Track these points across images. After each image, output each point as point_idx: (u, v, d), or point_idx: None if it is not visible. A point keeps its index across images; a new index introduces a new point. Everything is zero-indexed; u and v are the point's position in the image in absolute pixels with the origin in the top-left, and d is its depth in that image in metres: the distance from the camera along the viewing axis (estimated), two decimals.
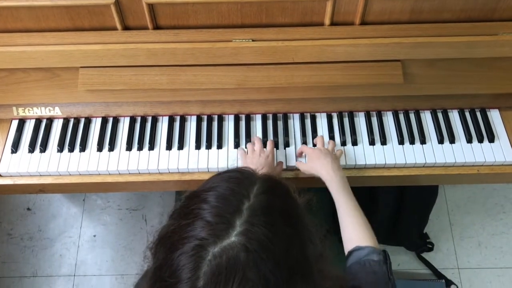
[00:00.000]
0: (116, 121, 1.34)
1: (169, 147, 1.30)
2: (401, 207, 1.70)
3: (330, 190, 1.14)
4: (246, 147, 1.29)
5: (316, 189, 1.97)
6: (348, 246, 1.04)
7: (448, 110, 1.35)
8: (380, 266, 0.96)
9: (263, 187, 0.70)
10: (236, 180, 0.71)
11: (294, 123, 1.34)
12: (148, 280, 0.68)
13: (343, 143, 1.30)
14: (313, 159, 1.20)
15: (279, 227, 0.66)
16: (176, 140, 1.31)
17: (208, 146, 1.30)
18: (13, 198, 2.04)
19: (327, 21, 1.25)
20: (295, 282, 0.64)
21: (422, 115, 1.35)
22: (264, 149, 1.24)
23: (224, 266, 0.60)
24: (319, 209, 1.97)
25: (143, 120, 1.34)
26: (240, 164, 1.26)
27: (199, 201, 0.68)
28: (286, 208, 0.71)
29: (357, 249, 1.00)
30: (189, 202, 0.70)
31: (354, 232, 1.05)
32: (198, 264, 0.60)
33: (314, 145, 1.29)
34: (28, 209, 2.02)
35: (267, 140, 1.30)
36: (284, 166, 1.28)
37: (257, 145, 1.25)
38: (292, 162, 1.28)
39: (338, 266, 0.87)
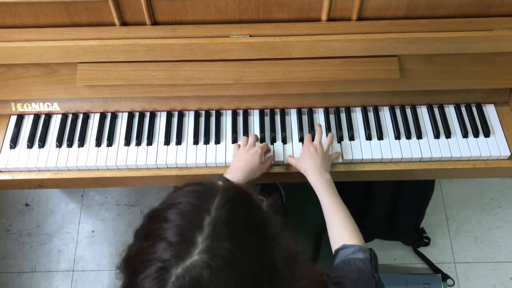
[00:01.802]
0: (114, 116, 1.34)
1: (167, 142, 1.31)
2: (397, 201, 1.71)
3: (315, 190, 1.16)
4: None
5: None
6: (334, 244, 1.05)
7: (444, 105, 1.36)
8: (365, 265, 0.97)
9: (224, 198, 0.68)
10: (196, 193, 0.69)
11: (292, 119, 1.35)
12: None
13: (340, 138, 1.31)
14: (305, 157, 1.22)
15: (243, 239, 0.64)
16: (174, 136, 1.32)
17: (206, 142, 1.31)
18: (12, 194, 2.05)
19: (324, 16, 1.26)
20: None
21: (418, 110, 1.36)
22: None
23: (187, 287, 0.59)
24: (316, 203, 1.98)
25: (141, 115, 1.34)
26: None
27: (160, 220, 0.66)
28: (250, 217, 0.69)
29: (343, 247, 1.01)
30: (150, 221, 0.68)
31: (340, 231, 1.07)
32: (162, 287, 0.60)
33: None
34: (27, 204, 2.03)
35: (265, 135, 1.31)
36: (283, 161, 1.29)
37: (250, 140, 1.26)
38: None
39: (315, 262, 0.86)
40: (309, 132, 1.31)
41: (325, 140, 1.27)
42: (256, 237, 0.67)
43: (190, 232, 0.62)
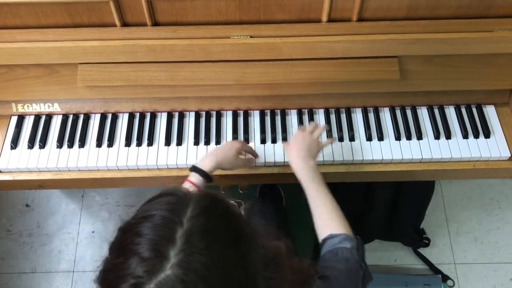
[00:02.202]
0: (115, 117, 1.35)
1: (167, 143, 1.31)
2: (397, 202, 1.72)
3: (299, 180, 1.12)
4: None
5: None
6: (321, 234, 1.02)
7: (444, 106, 1.37)
8: (352, 254, 0.95)
9: (198, 209, 0.66)
10: (168, 205, 0.67)
11: (292, 119, 1.35)
12: None
13: (341, 139, 1.31)
14: (293, 145, 1.18)
15: (217, 250, 0.63)
16: (174, 136, 1.32)
17: (207, 142, 1.31)
18: (12, 195, 2.05)
19: (324, 17, 1.26)
20: None
21: (418, 111, 1.36)
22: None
23: None
24: None
25: (142, 116, 1.35)
26: None
27: (133, 234, 0.64)
28: (224, 227, 0.68)
29: (330, 237, 0.99)
30: (124, 236, 0.66)
31: (327, 220, 1.04)
32: None
33: None
34: (27, 205, 2.03)
35: (265, 136, 1.31)
36: (281, 161, 1.29)
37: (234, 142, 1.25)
38: (288, 158, 1.28)
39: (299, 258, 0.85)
40: None
41: (316, 130, 1.23)
42: (231, 246, 0.66)
43: (162, 246, 0.61)
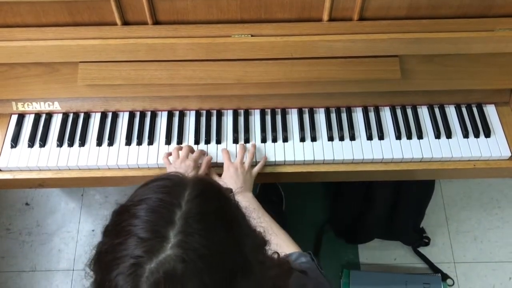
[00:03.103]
0: (115, 116, 1.34)
1: (168, 142, 1.31)
2: (397, 201, 1.72)
3: None
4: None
5: (312, 184, 1.99)
6: None
7: (445, 106, 1.37)
8: (311, 264, 1.01)
9: (195, 192, 0.67)
10: (165, 189, 0.68)
11: (292, 118, 1.35)
12: None
13: (341, 138, 1.31)
14: (226, 176, 1.22)
15: (214, 232, 0.65)
16: (175, 135, 1.32)
17: (207, 141, 1.31)
18: (12, 193, 2.04)
19: (325, 16, 1.26)
20: (236, 282, 0.64)
21: (419, 110, 1.36)
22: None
23: (162, 281, 0.58)
24: (316, 202, 1.98)
25: (142, 115, 1.34)
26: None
27: (130, 216, 0.65)
28: (220, 210, 0.69)
29: (285, 256, 1.01)
30: (120, 218, 0.67)
31: (278, 243, 1.05)
32: (136, 283, 0.59)
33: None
34: (27, 204, 2.03)
35: (265, 135, 1.31)
36: (282, 160, 1.29)
37: (182, 153, 1.24)
38: (288, 157, 1.29)
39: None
40: (311, 134, 1.31)
41: (247, 158, 1.26)
42: (227, 229, 0.67)
43: (161, 227, 0.62)
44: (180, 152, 1.24)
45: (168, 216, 0.63)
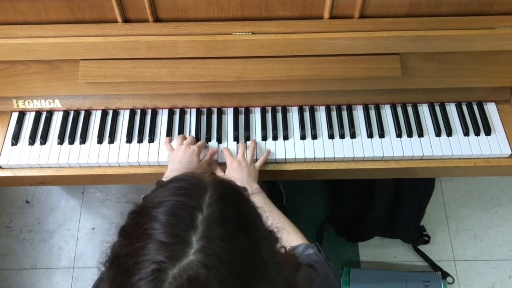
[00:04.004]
0: (116, 113, 1.34)
1: None
2: (398, 199, 1.72)
3: None
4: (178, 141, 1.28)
5: (312, 181, 1.99)
6: None
7: (445, 104, 1.37)
8: (318, 256, 1.01)
9: (215, 195, 0.67)
10: (185, 191, 0.67)
11: (293, 116, 1.35)
12: None
13: (342, 136, 1.31)
14: (230, 170, 1.22)
15: (235, 237, 0.64)
16: (176, 133, 1.32)
17: (208, 139, 1.31)
18: (12, 191, 2.05)
19: (326, 14, 1.26)
20: (256, 286, 0.64)
21: (419, 108, 1.36)
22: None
23: (185, 287, 0.58)
24: (317, 200, 1.98)
25: (143, 112, 1.34)
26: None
27: (150, 219, 0.64)
28: (240, 214, 0.69)
29: (292, 249, 1.02)
30: (140, 220, 0.66)
31: (285, 235, 1.05)
32: None
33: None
34: (27, 202, 2.03)
35: (266, 133, 1.31)
36: (282, 158, 1.29)
37: (188, 139, 1.25)
38: (289, 155, 1.29)
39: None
40: (311, 131, 1.31)
41: (248, 153, 1.27)
42: (247, 234, 0.66)
43: (183, 232, 0.62)
44: (184, 141, 1.25)
45: (190, 220, 0.63)
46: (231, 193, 0.71)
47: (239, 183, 1.09)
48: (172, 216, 0.64)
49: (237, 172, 1.21)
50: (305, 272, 0.88)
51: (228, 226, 0.64)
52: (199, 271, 0.59)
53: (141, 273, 0.60)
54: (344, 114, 1.35)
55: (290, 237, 1.08)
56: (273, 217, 1.04)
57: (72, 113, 1.34)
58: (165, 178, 1.19)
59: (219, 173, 1.26)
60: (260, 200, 1.12)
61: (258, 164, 1.26)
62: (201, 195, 0.66)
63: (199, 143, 1.26)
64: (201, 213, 0.64)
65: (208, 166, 1.26)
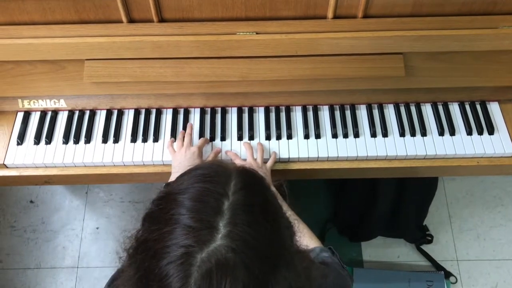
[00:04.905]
0: (120, 113, 1.35)
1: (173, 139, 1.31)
2: (401, 199, 1.72)
3: None
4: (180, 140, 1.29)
5: (315, 181, 2.00)
6: None
7: (448, 103, 1.37)
8: (332, 259, 1.01)
9: (241, 183, 0.69)
10: (210, 178, 0.69)
11: (297, 116, 1.35)
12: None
13: (345, 135, 1.32)
14: None
15: (260, 223, 0.66)
16: (180, 132, 1.32)
17: (212, 139, 1.32)
18: (16, 191, 2.06)
19: (330, 14, 1.26)
20: (280, 272, 0.65)
21: (423, 107, 1.37)
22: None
23: (214, 270, 0.59)
24: (320, 200, 1.99)
25: (148, 112, 1.35)
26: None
27: (176, 205, 0.65)
28: (264, 202, 0.70)
29: (307, 251, 1.02)
30: (166, 206, 0.67)
31: (299, 238, 1.07)
32: (188, 272, 0.59)
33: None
34: (31, 201, 2.04)
35: (270, 133, 1.32)
36: (286, 157, 1.30)
37: (185, 140, 1.26)
38: (292, 154, 1.30)
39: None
40: (315, 131, 1.32)
41: (258, 154, 1.27)
42: (271, 221, 0.68)
43: (211, 217, 0.63)
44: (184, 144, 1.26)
45: (216, 206, 0.64)
46: (255, 181, 0.72)
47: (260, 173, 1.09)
48: (198, 202, 0.65)
49: None
50: (318, 268, 0.89)
51: (253, 212, 0.66)
52: (227, 255, 0.60)
53: (170, 257, 0.61)
54: (348, 113, 1.35)
55: (304, 238, 1.08)
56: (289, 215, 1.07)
57: (77, 113, 1.35)
58: (171, 180, 1.19)
59: (239, 161, 1.25)
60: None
61: (269, 164, 1.26)
62: (226, 182, 0.68)
63: (198, 143, 1.26)
64: (227, 199, 0.65)
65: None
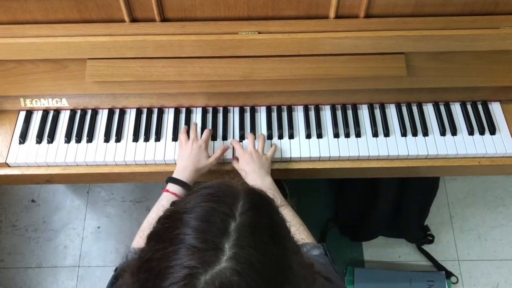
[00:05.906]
0: (122, 112, 1.35)
1: (175, 138, 1.32)
2: (402, 199, 1.72)
3: None
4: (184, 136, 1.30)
5: (317, 181, 2.00)
6: None
7: (450, 103, 1.37)
8: (324, 259, 0.99)
9: (248, 204, 0.67)
10: (217, 198, 0.67)
11: (298, 115, 1.35)
12: None
13: (347, 135, 1.32)
14: (243, 163, 1.23)
15: (267, 246, 0.64)
16: None
17: (214, 138, 1.32)
18: (18, 190, 2.06)
19: (332, 14, 1.26)
20: None
21: (424, 107, 1.37)
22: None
23: None
24: (321, 199, 1.99)
25: (149, 111, 1.35)
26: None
27: (182, 224, 0.64)
28: (272, 224, 0.68)
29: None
30: (171, 225, 0.65)
31: (292, 229, 1.07)
32: None
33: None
34: (33, 201, 2.04)
35: (272, 132, 1.32)
36: (288, 157, 1.30)
37: (191, 135, 1.28)
38: (294, 154, 1.30)
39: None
40: (317, 130, 1.32)
41: (259, 143, 1.28)
42: (278, 244, 0.66)
43: (216, 238, 0.61)
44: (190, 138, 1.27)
45: (222, 227, 0.63)
46: (263, 203, 0.71)
47: (250, 176, 1.07)
48: (204, 222, 0.63)
49: (249, 164, 1.21)
50: (322, 285, 0.86)
51: (260, 235, 0.64)
52: (232, 278, 0.58)
53: (173, 278, 0.59)
54: (350, 113, 1.35)
55: (297, 233, 1.08)
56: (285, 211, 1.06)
57: (79, 112, 1.35)
58: (176, 175, 1.20)
59: (235, 165, 1.26)
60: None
61: (269, 154, 1.27)
62: (233, 202, 0.66)
63: (203, 136, 1.27)
64: (234, 220, 0.64)
65: (217, 159, 1.26)
